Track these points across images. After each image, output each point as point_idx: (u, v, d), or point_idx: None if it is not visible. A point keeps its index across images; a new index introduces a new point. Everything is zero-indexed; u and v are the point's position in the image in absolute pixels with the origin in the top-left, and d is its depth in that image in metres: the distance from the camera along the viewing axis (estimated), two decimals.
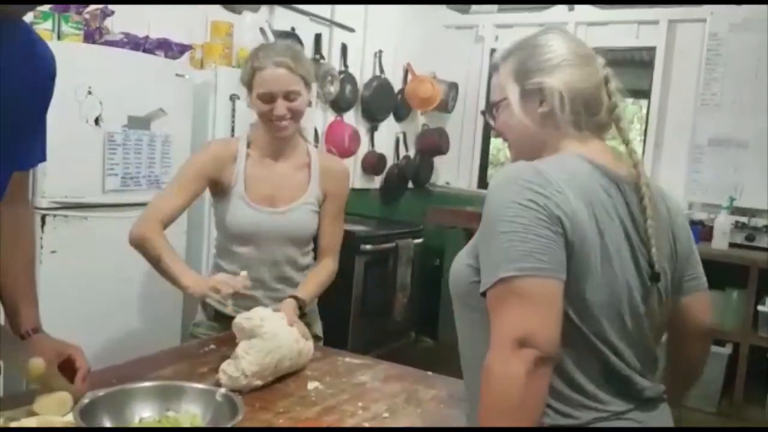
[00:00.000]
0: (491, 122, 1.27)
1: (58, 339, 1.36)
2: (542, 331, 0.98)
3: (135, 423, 1.14)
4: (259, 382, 1.50)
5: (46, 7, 2.44)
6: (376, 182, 4.95)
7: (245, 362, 1.47)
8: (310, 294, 1.87)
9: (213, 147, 1.96)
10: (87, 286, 2.42)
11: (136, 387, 1.22)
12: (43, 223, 2.31)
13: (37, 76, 1.36)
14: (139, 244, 1.78)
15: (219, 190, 1.89)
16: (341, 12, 4.39)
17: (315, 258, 2.03)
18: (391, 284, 4.00)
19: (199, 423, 1.17)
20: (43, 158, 1.47)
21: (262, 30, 3.24)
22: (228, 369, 1.48)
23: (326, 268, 1.97)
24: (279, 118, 1.82)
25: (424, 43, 5.07)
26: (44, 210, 2.32)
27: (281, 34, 3.71)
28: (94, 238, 2.45)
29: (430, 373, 1.74)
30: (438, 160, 5.34)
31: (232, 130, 2.94)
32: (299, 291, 1.85)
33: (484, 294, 1.03)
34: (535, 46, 1.19)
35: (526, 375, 0.95)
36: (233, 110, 2.95)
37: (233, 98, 2.95)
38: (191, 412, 1.18)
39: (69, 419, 1.14)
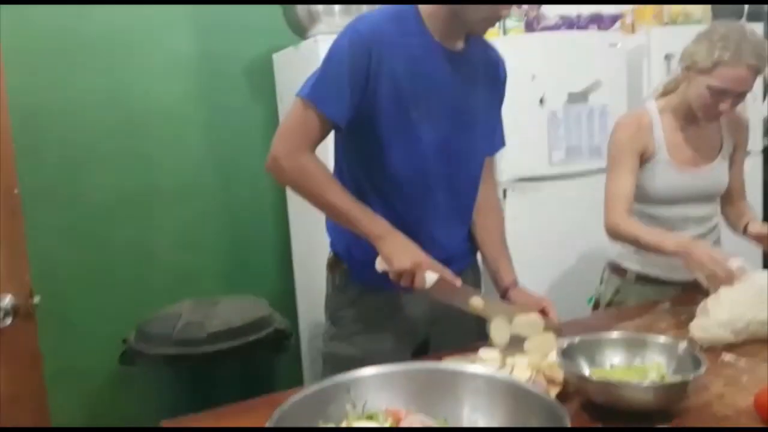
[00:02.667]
0: None
1: (534, 293, 1.62)
2: None
3: (607, 368, 1.32)
4: (731, 336, 1.53)
5: None
6: None
7: (714, 310, 1.54)
8: None
9: (630, 122, 1.97)
10: (544, 248, 2.73)
11: (607, 337, 1.40)
12: (505, 195, 2.69)
13: (493, 79, 1.65)
14: (616, 236, 1.94)
15: (642, 159, 1.94)
16: None
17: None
18: None
19: (664, 373, 1.29)
20: (503, 143, 1.76)
21: None
22: (698, 321, 1.57)
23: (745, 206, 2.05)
24: (721, 113, 1.82)
25: None
26: (504, 184, 2.70)
27: None
28: (546, 205, 2.75)
29: None
30: None
31: None
32: None
33: None
34: None
35: None
36: (668, 70, 2.92)
37: (668, 58, 2.92)
38: (656, 362, 1.31)
39: (551, 360, 1.37)
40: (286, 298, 2.93)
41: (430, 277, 1.40)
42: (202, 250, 2.89)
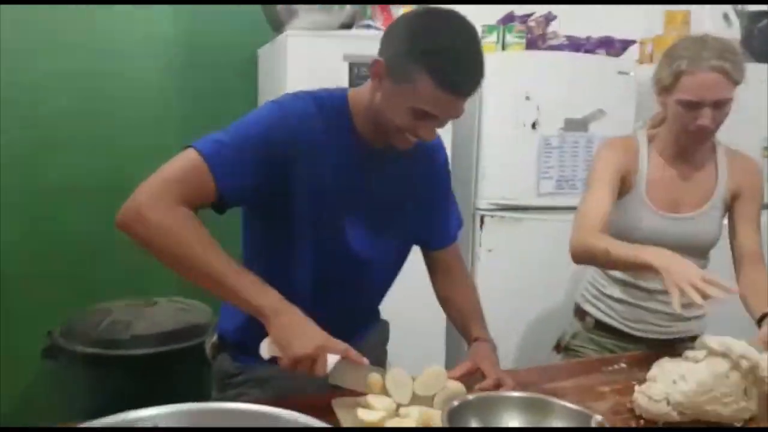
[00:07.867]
0: None
1: (488, 353, 1.38)
2: None
3: None
4: (675, 415, 1.29)
5: (492, 21, 2.60)
6: None
7: (674, 389, 1.28)
8: None
9: (619, 143, 1.76)
10: (518, 284, 2.50)
11: (503, 396, 1.17)
12: (482, 223, 2.47)
13: (433, 167, 1.48)
14: (583, 251, 1.65)
15: (622, 186, 1.71)
16: None
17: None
18: None
19: None
20: (460, 226, 1.57)
21: (725, 15, 2.84)
22: (649, 390, 1.30)
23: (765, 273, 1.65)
24: (704, 128, 1.59)
25: None
26: (483, 211, 2.48)
27: (753, 16, 3.19)
28: (528, 239, 2.51)
29: None
30: None
31: None
32: None
33: None
34: None
35: None
36: None
37: None
38: None
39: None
40: None
41: (331, 359, 1.16)
42: None
